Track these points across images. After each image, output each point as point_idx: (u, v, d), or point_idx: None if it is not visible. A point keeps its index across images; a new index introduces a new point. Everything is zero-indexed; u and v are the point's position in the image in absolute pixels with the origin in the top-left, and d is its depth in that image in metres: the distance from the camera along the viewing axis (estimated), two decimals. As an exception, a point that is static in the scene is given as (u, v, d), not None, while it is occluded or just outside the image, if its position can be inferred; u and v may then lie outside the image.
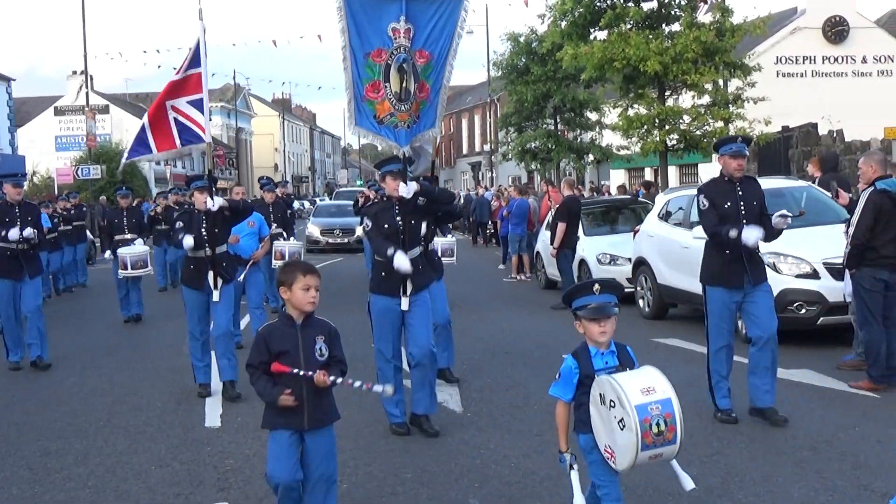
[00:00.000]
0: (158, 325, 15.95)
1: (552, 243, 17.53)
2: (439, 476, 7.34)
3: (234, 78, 71.90)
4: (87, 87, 48.27)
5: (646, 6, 23.75)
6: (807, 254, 12.20)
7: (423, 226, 8.35)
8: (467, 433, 8.62)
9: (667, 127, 23.54)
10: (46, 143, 55.76)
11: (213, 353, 10.06)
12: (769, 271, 12.24)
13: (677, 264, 14.58)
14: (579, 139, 32.53)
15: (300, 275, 5.16)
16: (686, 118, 23.73)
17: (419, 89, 8.50)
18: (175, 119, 10.53)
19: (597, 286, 5.00)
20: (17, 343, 12.02)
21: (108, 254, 17.20)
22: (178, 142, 10.65)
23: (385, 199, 8.31)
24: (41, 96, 63.28)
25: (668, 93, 23.95)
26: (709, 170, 32.27)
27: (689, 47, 21.99)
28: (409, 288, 8.01)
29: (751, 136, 9.89)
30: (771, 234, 8.53)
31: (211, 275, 9.74)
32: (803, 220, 13.04)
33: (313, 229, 34.52)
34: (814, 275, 12.10)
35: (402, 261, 7.73)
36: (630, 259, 16.44)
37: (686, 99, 24.28)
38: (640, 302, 15.88)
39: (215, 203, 9.63)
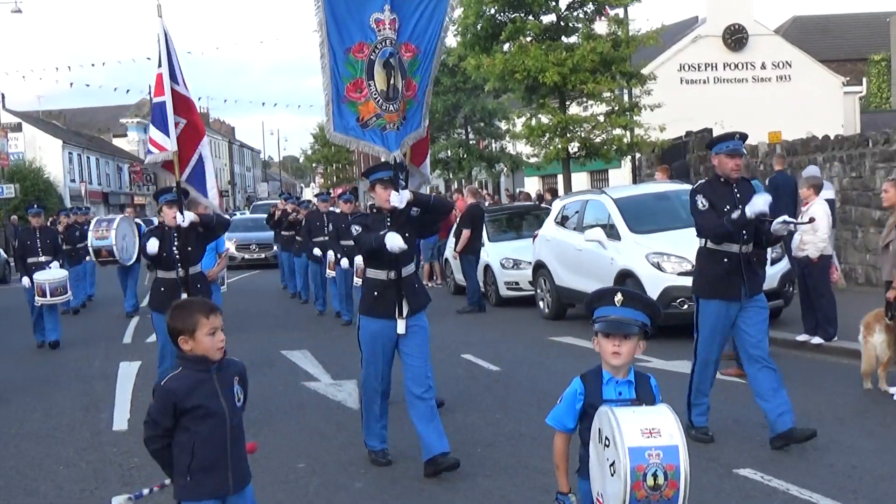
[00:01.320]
0: (72, 343, 15.37)
1: (455, 248, 18.20)
2: (330, 465, 7.86)
3: (149, 93, 71.36)
4: (-1, 104, 47.91)
5: (545, 19, 24.28)
6: (688, 253, 12.60)
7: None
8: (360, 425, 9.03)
9: (568, 135, 24.13)
10: (-44, 162, 55.28)
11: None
12: (653, 269, 13.23)
13: (573, 266, 15.31)
14: (490, 148, 32.84)
15: (202, 318, 4.19)
16: (586, 126, 24.38)
17: (406, 87, 7.54)
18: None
19: (619, 296, 4.12)
20: None
21: (25, 280, 15.16)
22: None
23: (375, 210, 7.52)
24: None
25: (568, 102, 24.57)
26: (619, 175, 33.10)
27: (586, 58, 22.63)
28: (406, 309, 7.22)
29: (745, 134, 8.40)
30: (769, 240, 8.00)
31: (184, 297, 8.53)
32: (683, 221, 13.94)
33: (228, 244, 33.53)
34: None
35: (394, 239, 6.98)
36: (531, 263, 16.95)
37: (586, 108, 24.96)
38: (541, 303, 16.46)
39: (186, 218, 8.87)
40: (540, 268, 16.48)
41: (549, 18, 24.43)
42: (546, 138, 24.25)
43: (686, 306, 12.87)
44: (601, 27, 24.86)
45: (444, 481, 7.26)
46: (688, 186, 15.58)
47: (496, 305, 18.40)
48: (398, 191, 7.21)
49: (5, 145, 48.42)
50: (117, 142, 78.94)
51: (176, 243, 9.09)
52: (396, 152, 7.49)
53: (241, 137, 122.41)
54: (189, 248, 9.11)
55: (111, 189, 70.85)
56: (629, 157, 26.27)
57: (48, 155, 57.95)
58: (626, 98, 25.34)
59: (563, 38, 24.32)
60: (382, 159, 7.65)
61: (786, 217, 7.90)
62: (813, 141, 18.86)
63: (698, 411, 7.97)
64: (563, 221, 16.36)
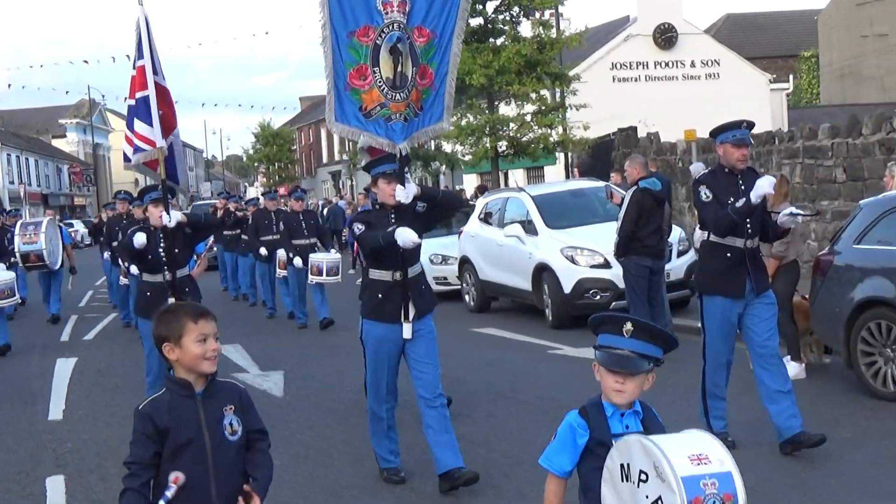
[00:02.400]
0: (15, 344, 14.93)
1: (333, 245, 18.46)
2: None
3: (88, 94, 71.11)
4: (-67, 107, 47.64)
5: (472, 22, 24.47)
6: (599, 246, 13.44)
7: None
8: (283, 412, 9.67)
9: (497, 134, 24.74)
10: None
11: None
12: (567, 263, 13.88)
13: (495, 261, 15.84)
14: (426, 147, 33.15)
15: (189, 322, 3.57)
16: (513, 126, 25.00)
17: (420, 74, 6.78)
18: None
19: (629, 326, 3.50)
20: None
21: None
22: (131, 157, 8.93)
23: (378, 206, 6.91)
24: None
25: (497, 102, 25.16)
26: (554, 171, 33.74)
27: (511, 60, 23.28)
28: (413, 312, 6.64)
29: (753, 122, 7.85)
30: (776, 233, 7.59)
31: (172, 301, 7.92)
32: (598, 217, 14.65)
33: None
34: (606, 265, 13.38)
35: (406, 234, 6.32)
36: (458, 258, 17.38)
37: (513, 108, 25.51)
38: (466, 297, 16.96)
39: (172, 218, 8.20)
40: (465, 263, 16.91)
41: (476, 21, 24.86)
42: (475, 138, 24.79)
43: (598, 297, 13.58)
44: (527, 30, 25.40)
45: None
46: (601, 184, 16.38)
47: None
48: (404, 185, 6.60)
49: (-59, 148, 48.11)
50: (56, 143, 78.38)
51: (162, 245, 8.34)
52: (403, 144, 6.79)
53: (183, 137, 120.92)
54: (176, 250, 8.40)
55: (51, 190, 70.40)
56: (563, 153, 27.01)
57: (-14, 156, 57.74)
58: (552, 98, 25.99)
59: (490, 41, 24.87)
60: (387, 151, 6.94)
61: (792, 209, 7.46)
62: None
63: (715, 415, 7.44)
64: (486, 218, 16.76)
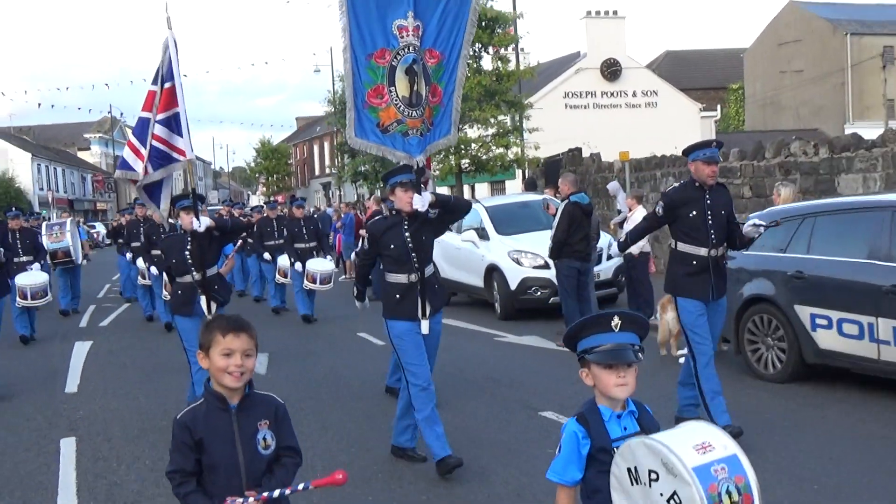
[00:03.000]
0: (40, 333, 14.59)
1: (332, 251, 18.62)
2: None
3: (109, 112, 70.86)
4: (-28, 122, 47.48)
5: None
6: (540, 250, 13.50)
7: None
8: (265, 386, 9.73)
9: (461, 153, 24.87)
10: (-65, 174, 54.42)
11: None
12: (514, 264, 14.13)
13: (453, 262, 15.97)
14: (400, 164, 33.03)
15: (218, 335, 3.22)
16: (474, 146, 25.16)
17: (431, 93, 6.57)
18: (152, 146, 8.31)
19: (616, 320, 3.16)
20: None
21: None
22: (149, 168, 8.34)
23: (394, 213, 6.54)
24: (-71, 130, 61.41)
25: (461, 126, 25.17)
26: (514, 185, 33.79)
27: (473, 90, 23.29)
28: (429, 309, 6.37)
29: (721, 142, 7.78)
30: (742, 242, 7.30)
31: (203, 299, 7.90)
32: (540, 225, 14.87)
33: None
34: (546, 266, 13.40)
35: (420, 199, 6.24)
36: (422, 259, 17.60)
37: (475, 130, 25.65)
38: None
39: (202, 223, 7.84)
40: None
41: None
42: (442, 156, 24.72)
43: (539, 293, 13.81)
44: (488, 63, 25.52)
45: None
46: (539, 197, 16.48)
47: None
48: (420, 193, 6.30)
49: (-21, 158, 47.97)
50: (81, 154, 77.99)
51: (189, 248, 7.99)
52: (419, 157, 6.52)
53: (196, 151, 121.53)
54: (204, 252, 7.97)
55: (76, 196, 70.07)
56: (520, 169, 27.21)
57: (19, 166, 57.39)
58: (511, 122, 26.11)
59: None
60: (402, 164, 6.66)
61: (755, 220, 7.22)
62: (654, 159, 19.78)
63: (718, 409, 6.89)
64: None
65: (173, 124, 8.12)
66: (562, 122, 33.96)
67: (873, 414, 7.65)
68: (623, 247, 8.64)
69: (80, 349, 13.08)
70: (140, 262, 15.40)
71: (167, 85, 8.10)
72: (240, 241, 13.61)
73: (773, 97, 50.85)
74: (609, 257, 14.47)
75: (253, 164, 77.63)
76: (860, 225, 8.64)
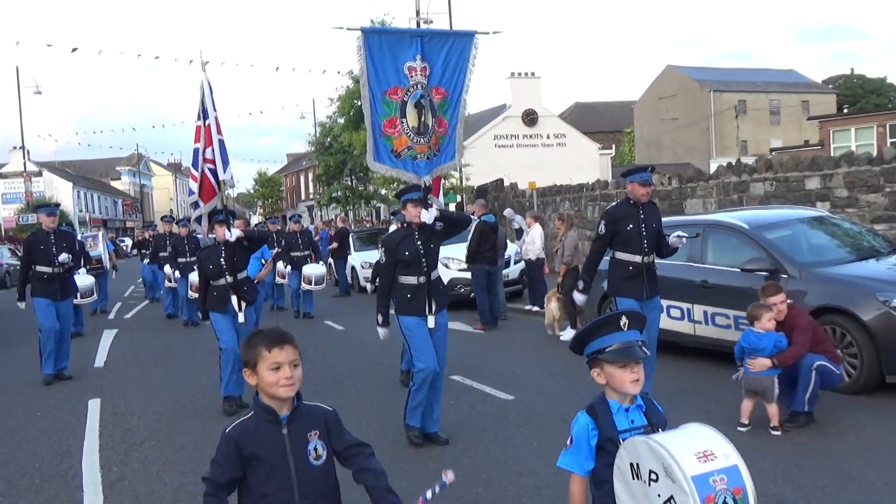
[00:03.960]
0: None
1: (323, 259, 18.70)
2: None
3: (136, 149, 70.32)
4: (24, 157, 46.81)
5: None
6: (461, 256, 13.44)
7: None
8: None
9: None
10: (-6, 199, 53.63)
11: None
12: (444, 267, 14.27)
13: None
14: (367, 190, 33.65)
15: (263, 350, 2.68)
16: None
17: (437, 124, 6.26)
18: (209, 170, 7.78)
19: (624, 319, 2.76)
20: (54, 356, 9.27)
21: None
22: (216, 189, 7.79)
23: (405, 225, 6.14)
24: (-11, 164, 60.30)
25: None
26: (452, 207, 34.25)
27: None
28: (434, 306, 5.94)
29: (654, 166, 7.70)
30: (668, 251, 6.87)
31: (234, 299, 7.44)
32: (463, 238, 15.10)
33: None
34: (466, 269, 13.33)
35: (384, 334, 5.97)
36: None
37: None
38: None
39: (233, 234, 7.44)
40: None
41: None
42: (395, 185, 25.10)
43: (462, 289, 14.00)
44: None
45: None
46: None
47: (358, 292, 18.40)
48: (427, 209, 5.97)
49: (30, 186, 47.30)
50: (113, 183, 77.07)
51: (223, 255, 7.49)
52: (426, 177, 6.23)
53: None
54: (235, 258, 7.52)
55: (108, 217, 69.13)
56: (458, 195, 27.65)
57: (62, 193, 56.36)
58: None
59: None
60: (412, 183, 6.29)
61: (679, 232, 6.80)
62: (555, 188, 20.34)
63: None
64: None
65: (216, 150, 7.63)
66: (492, 158, 34.34)
67: (689, 380, 7.85)
68: (585, 275, 7.22)
69: (108, 335, 13.16)
70: (167, 269, 14.92)
71: (207, 121, 7.62)
72: (276, 249, 13.62)
73: (655, 139, 51.93)
74: (515, 262, 14.73)
75: (252, 191, 77.25)
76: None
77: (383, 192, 27.09)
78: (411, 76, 6.11)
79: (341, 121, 26.37)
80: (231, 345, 7.32)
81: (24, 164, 46.94)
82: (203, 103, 7.57)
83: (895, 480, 4.79)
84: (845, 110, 45.62)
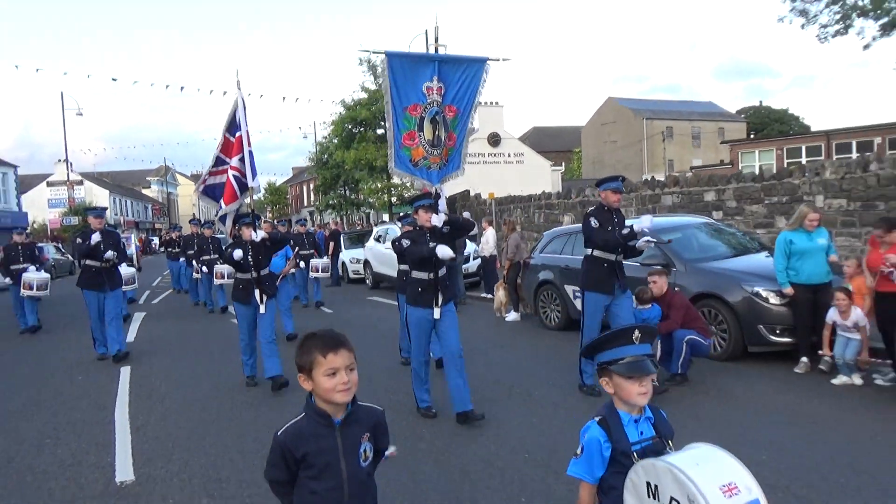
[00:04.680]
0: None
1: (325, 254, 18.94)
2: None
3: (164, 162, 69.96)
4: (68, 169, 46.44)
5: (379, 131, 25.06)
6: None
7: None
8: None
9: (391, 192, 25.33)
10: (41, 204, 52.82)
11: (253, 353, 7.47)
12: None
13: (381, 261, 16.22)
14: (357, 198, 33.76)
15: (318, 356, 2.26)
16: (400, 188, 25.50)
17: (448, 138, 6.08)
18: (233, 176, 7.47)
19: (637, 333, 2.40)
20: (102, 340, 9.10)
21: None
22: (237, 193, 7.49)
23: (418, 228, 5.81)
24: (38, 174, 59.24)
25: (392, 176, 25.63)
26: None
27: None
28: (441, 300, 5.60)
29: (625, 177, 7.21)
30: (634, 253, 6.36)
31: (257, 292, 7.09)
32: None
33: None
34: None
35: (445, 250, 5.39)
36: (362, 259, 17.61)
37: (398, 179, 25.72)
38: (368, 281, 17.20)
39: (258, 235, 7.14)
40: (367, 263, 17.23)
41: (380, 130, 25.26)
42: (378, 195, 25.46)
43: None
44: None
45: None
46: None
47: (348, 283, 18.30)
48: (437, 214, 5.69)
49: (72, 193, 46.98)
50: (144, 191, 76.42)
51: (250, 253, 7.14)
52: (438, 185, 6.02)
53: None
54: (260, 256, 7.15)
55: (140, 220, 68.54)
56: None
57: (99, 199, 55.72)
58: None
59: (387, 141, 25.16)
60: (426, 190, 6.10)
61: (648, 237, 6.23)
62: (510, 198, 20.55)
63: (587, 376, 6.32)
64: (378, 238, 17.03)
65: (247, 161, 7.32)
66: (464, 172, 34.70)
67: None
68: (632, 246, 6.36)
69: (137, 318, 13.23)
70: (195, 264, 14.58)
71: (238, 133, 7.30)
72: (297, 249, 13.27)
73: (599, 158, 52.54)
74: (474, 258, 14.89)
75: (263, 198, 77.03)
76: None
77: (371, 200, 27.18)
78: (428, 95, 5.92)
79: (336, 141, 26.39)
80: (246, 334, 7.20)
81: (68, 174, 46.50)
82: (235, 117, 7.28)
83: (743, 424, 5.23)
84: (752, 136, 46.55)
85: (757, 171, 11.52)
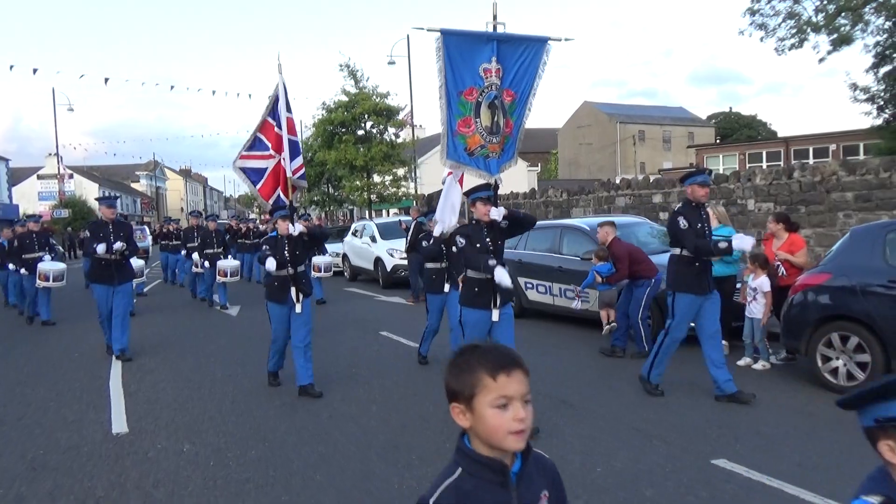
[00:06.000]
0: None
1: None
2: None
3: (154, 157, 70.12)
4: (58, 162, 46.61)
5: (359, 132, 25.47)
6: (403, 248, 13.61)
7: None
8: (235, 324, 11.10)
9: (370, 190, 25.66)
10: (32, 196, 52.96)
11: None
12: (389, 256, 14.64)
13: (358, 255, 16.58)
14: (339, 195, 34.19)
15: (485, 376, 1.31)
16: (379, 187, 25.95)
17: (505, 125, 5.37)
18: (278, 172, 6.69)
19: None
20: (110, 335, 8.40)
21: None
22: (281, 190, 6.60)
23: (474, 222, 5.25)
24: (29, 167, 59.14)
25: (372, 175, 25.99)
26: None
27: (378, 153, 24.23)
28: (499, 301, 5.11)
29: (711, 170, 5.81)
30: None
31: (293, 290, 6.38)
32: (400, 234, 14.90)
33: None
34: (405, 258, 13.45)
35: (503, 275, 4.88)
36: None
37: (379, 177, 26.42)
38: (345, 273, 17.46)
39: (296, 229, 6.43)
40: (345, 256, 17.46)
41: (360, 132, 25.67)
42: (359, 192, 25.70)
43: (402, 273, 14.15)
44: (387, 136, 26.04)
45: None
46: (405, 217, 16.92)
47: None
48: (497, 206, 5.17)
49: (63, 187, 47.18)
50: (133, 185, 76.37)
51: (287, 249, 6.42)
52: (497, 176, 5.36)
53: (211, 184, 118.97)
54: (297, 252, 6.44)
55: (129, 213, 68.71)
56: (414, 200, 28.58)
57: (89, 192, 55.70)
58: (401, 173, 26.79)
59: (367, 143, 25.53)
60: (483, 181, 5.46)
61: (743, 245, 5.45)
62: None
63: (657, 373, 5.93)
64: (355, 233, 17.30)
65: (296, 149, 6.63)
66: (442, 172, 35.13)
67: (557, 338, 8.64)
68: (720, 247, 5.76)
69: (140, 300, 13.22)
70: (195, 257, 13.55)
71: (288, 115, 6.55)
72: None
73: (574, 159, 53.39)
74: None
75: (250, 194, 77.19)
76: (545, 234, 9.89)
77: (352, 197, 27.79)
78: (486, 77, 5.30)
79: (318, 140, 27.00)
80: (281, 335, 6.57)
81: (59, 167, 46.78)
82: (278, 101, 6.60)
83: (678, 394, 5.90)
84: (717, 141, 47.73)
85: (743, 172, 12.37)
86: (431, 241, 6.78)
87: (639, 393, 5.95)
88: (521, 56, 5.32)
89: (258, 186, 6.70)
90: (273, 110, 6.63)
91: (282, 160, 6.45)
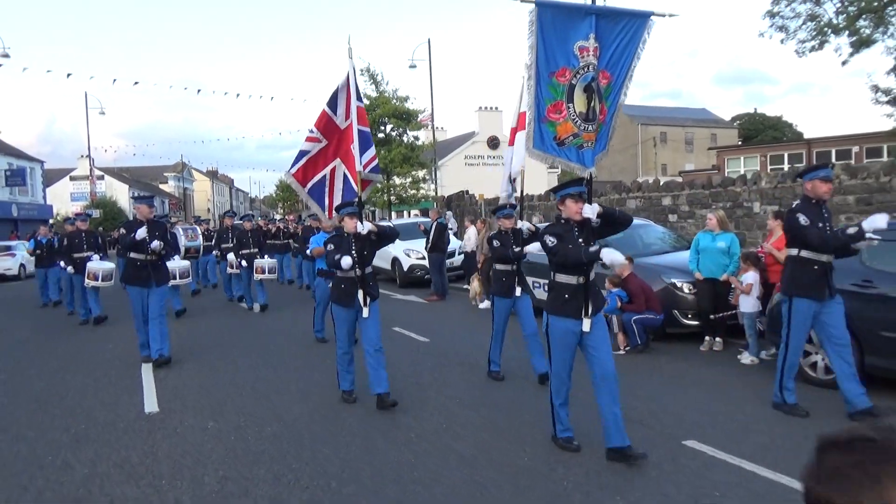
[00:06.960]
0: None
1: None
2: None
3: (181, 159, 71.66)
4: (90, 164, 48.14)
5: (379, 136, 25.90)
6: (421, 249, 14.69)
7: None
8: (257, 318, 11.53)
9: (390, 192, 26.34)
10: (65, 197, 54.62)
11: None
12: (406, 256, 15.01)
13: (376, 254, 17.31)
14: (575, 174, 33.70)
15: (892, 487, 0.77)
16: (399, 188, 26.58)
17: (599, 111, 4.74)
18: (343, 174, 6.39)
19: None
20: (146, 342, 8.05)
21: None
22: (356, 157, 6.14)
23: (563, 221, 4.70)
24: (62, 168, 60.93)
25: (392, 176, 26.61)
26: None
27: (398, 155, 24.81)
28: (591, 309, 4.56)
29: (835, 164, 5.18)
30: (847, 252, 5.28)
31: (361, 293, 5.91)
32: (421, 236, 15.09)
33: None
34: (423, 258, 14.54)
35: (613, 254, 4.42)
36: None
37: (399, 179, 27.07)
38: None
39: (365, 227, 5.89)
40: None
41: (381, 135, 26.15)
42: (379, 194, 26.26)
43: (419, 273, 14.67)
44: (406, 139, 26.67)
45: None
46: (422, 219, 17.33)
47: None
48: (590, 204, 4.59)
49: (94, 188, 48.69)
50: (162, 186, 78.02)
51: (354, 248, 5.93)
52: (592, 169, 4.77)
53: (237, 185, 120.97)
54: (364, 252, 5.97)
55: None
56: (434, 202, 29.02)
57: (119, 193, 57.43)
58: (421, 175, 27.37)
59: (387, 145, 26.10)
60: (577, 175, 4.85)
61: (871, 235, 4.94)
62: (496, 199, 21.93)
63: (789, 392, 5.41)
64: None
65: (368, 141, 6.28)
66: (463, 174, 35.58)
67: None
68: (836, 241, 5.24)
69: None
70: (230, 257, 13.19)
71: (359, 104, 6.20)
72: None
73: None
74: (459, 254, 15.50)
75: (275, 195, 78.50)
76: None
77: (372, 198, 28.36)
78: (582, 57, 4.66)
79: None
80: (346, 348, 6.18)
81: (90, 169, 48.26)
82: (348, 89, 6.21)
83: (666, 384, 6.34)
84: (740, 142, 47.50)
85: (750, 176, 12.71)
86: (525, 237, 6.24)
87: (628, 384, 6.10)
88: (620, 33, 4.73)
89: (292, 170, 6.38)
90: (334, 97, 6.26)
91: (351, 149, 6.08)
